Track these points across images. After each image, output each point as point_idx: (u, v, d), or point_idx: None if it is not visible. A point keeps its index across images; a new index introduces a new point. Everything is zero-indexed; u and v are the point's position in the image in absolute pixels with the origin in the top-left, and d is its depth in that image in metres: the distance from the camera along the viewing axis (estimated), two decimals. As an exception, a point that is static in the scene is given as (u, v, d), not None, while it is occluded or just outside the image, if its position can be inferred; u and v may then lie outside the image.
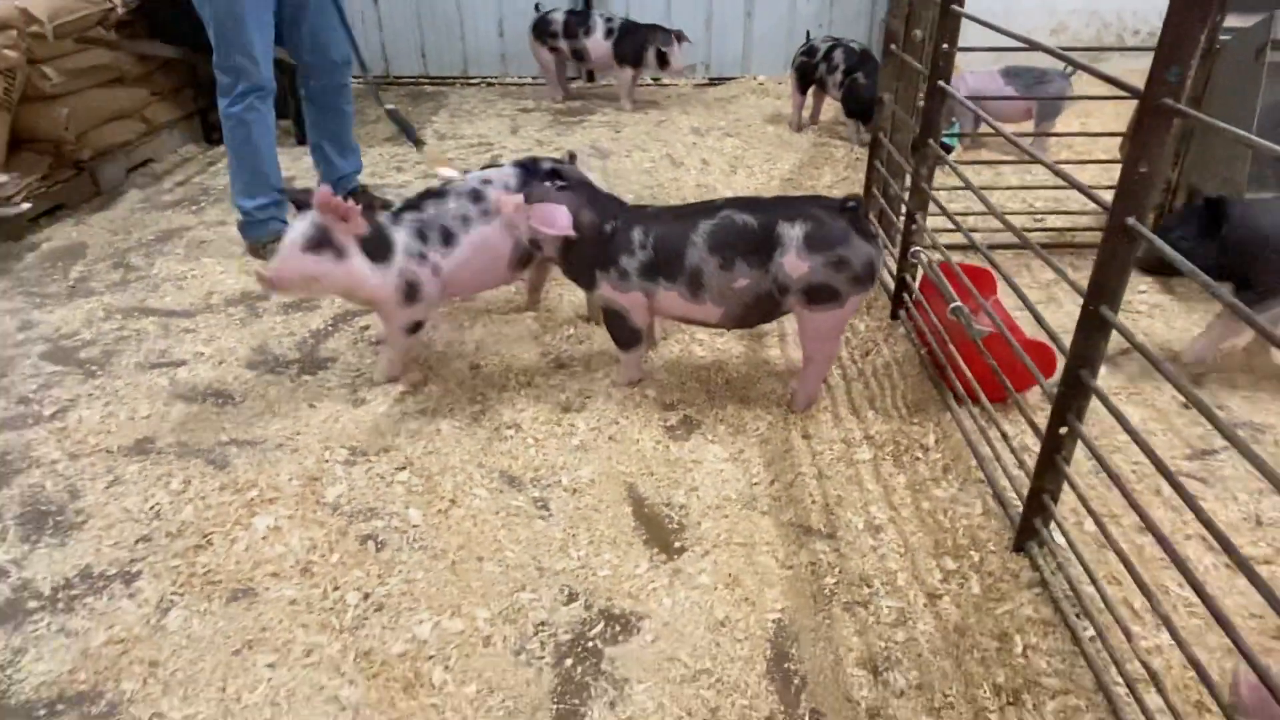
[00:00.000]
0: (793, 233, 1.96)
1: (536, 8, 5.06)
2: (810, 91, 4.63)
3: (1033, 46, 1.73)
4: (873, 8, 5.60)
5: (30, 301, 2.90)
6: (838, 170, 4.08)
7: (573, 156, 2.34)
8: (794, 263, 1.96)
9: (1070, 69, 3.38)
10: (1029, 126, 4.08)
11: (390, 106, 3.26)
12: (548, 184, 2.19)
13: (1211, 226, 2.16)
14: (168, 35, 4.15)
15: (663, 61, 4.80)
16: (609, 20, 4.86)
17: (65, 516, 1.93)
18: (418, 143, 3.17)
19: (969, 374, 2.10)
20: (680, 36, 4.77)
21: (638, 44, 4.81)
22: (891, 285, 2.71)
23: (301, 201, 2.11)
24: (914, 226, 2.46)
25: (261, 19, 2.89)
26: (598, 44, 4.88)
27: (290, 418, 2.28)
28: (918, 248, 2.46)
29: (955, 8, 2.16)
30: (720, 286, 2.04)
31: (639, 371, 2.38)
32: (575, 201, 2.10)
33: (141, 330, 2.72)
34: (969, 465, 2.03)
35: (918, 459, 2.07)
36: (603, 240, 2.10)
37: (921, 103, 2.63)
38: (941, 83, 2.25)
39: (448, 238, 2.25)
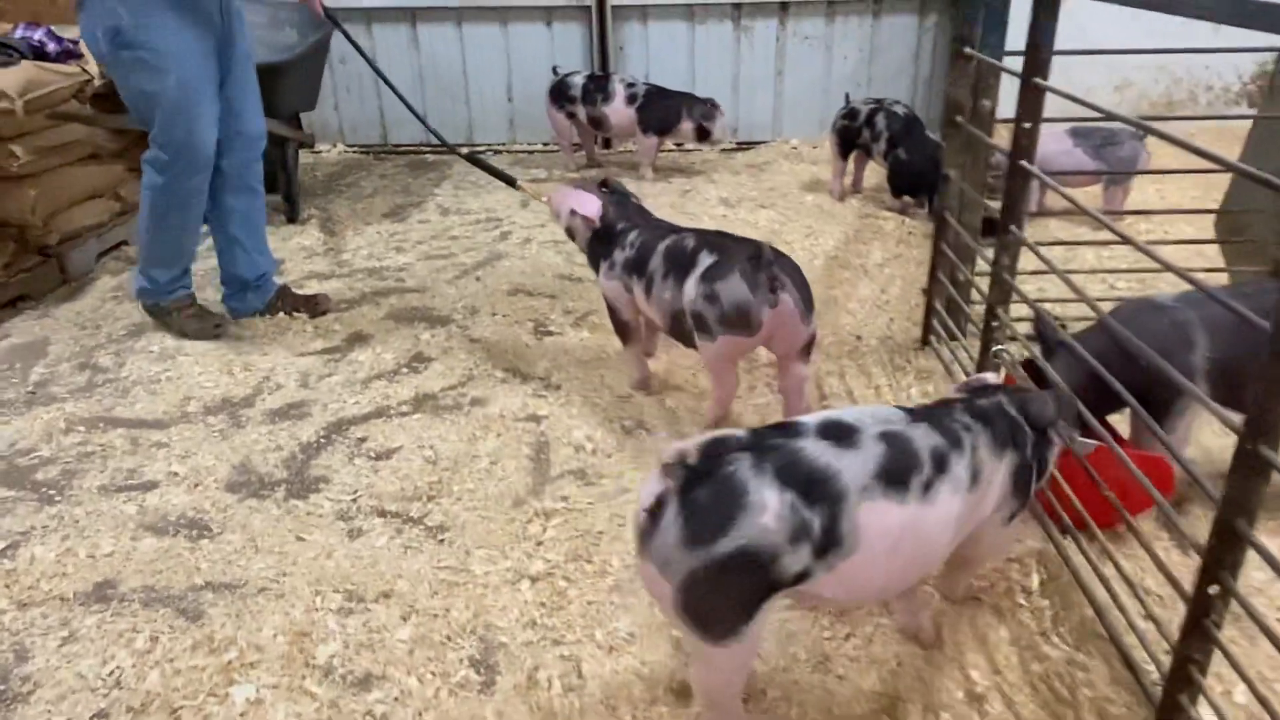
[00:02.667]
0: (702, 262, 2.30)
1: (554, 71, 5.09)
2: (852, 157, 4.59)
3: (1110, 117, 1.66)
4: (915, 64, 5.62)
5: (-17, 411, 2.81)
6: (888, 245, 4.00)
7: (605, 182, 2.78)
8: (689, 287, 2.31)
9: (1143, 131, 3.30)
10: (1097, 193, 4.01)
11: (465, 151, 3.39)
12: (590, 181, 2.79)
13: None
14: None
15: (703, 134, 4.80)
16: (630, 85, 4.87)
17: (9, 685, 1.78)
18: (511, 182, 3.28)
19: (1073, 496, 1.95)
20: (716, 105, 4.77)
21: (668, 112, 4.81)
22: (969, 388, 2.58)
23: None
24: (995, 323, 2.34)
25: (214, 88, 2.91)
26: (617, 110, 4.88)
27: (275, 554, 2.14)
28: (1001, 346, 2.34)
29: (1039, 81, 2.08)
30: (658, 294, 2.45)
31: (640, 371, 2.82)
32: (608, 200, 2.67)
33: (107, 445, 2.60)
34: (1084, 614, 1.86)
35: (1020, 605, 1.90)
36: (612, 236, 2.62)
37: (993, 180, 2.55)
38: (1024, 163, 2.16)
39: None
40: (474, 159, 3.33)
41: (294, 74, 4.26)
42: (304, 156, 5.51)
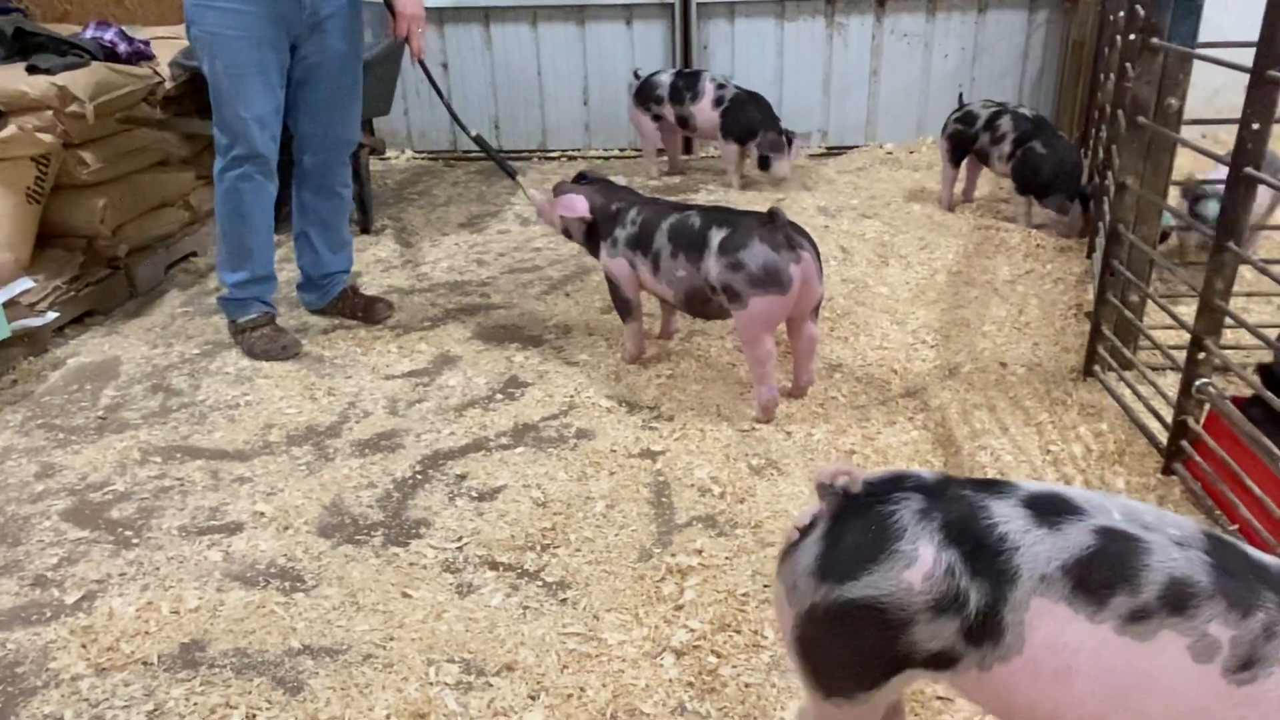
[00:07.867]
0: (716, 237, 2.47)
1: (635, 74, 4.87)
2: (964, 164, 4.30)
3: None
4: (1023, 64, 5.30)
5: (53, 438, 2.64)
6: (1015, 260, 3.70)
7: (582, 174, 2.94)
8: (709, 264, 2.48)
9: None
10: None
11: (475, 133, 3.33)
12: (568, 181, 2.93)
13: None
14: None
15: (763, 164, 4.55)
16: (721, 86, 4.62)
17: (89, 769, 1.58)
18: (511, 175, 3.37)
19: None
20: (791, 138, 4.52)
21: (748, 123, 4.55)
22: (1162, 432, 2.28)
23: None
24: (1201, 355, 2.05)
25: (268, 80, 2.83)
26: (704, 111, 4.63)
27: (379, 612, 1.92)
28: (1207, 380, 2.05)
29: (1274, 74, 1.79)
30: (669, 271, 2.62)
31: (637, 347, 2.91)
32: (590, 191, 2.81)
33: (186, 479, 2.42)
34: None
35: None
36: (608, 218, 2.76)
37: (1179, 191, 2.27)
38: (1250, 169, 1.87)
39: None
40: (481, 141, 3.32)
41: (370, 76, 4.07)
42: (374, 164, 5.34)
